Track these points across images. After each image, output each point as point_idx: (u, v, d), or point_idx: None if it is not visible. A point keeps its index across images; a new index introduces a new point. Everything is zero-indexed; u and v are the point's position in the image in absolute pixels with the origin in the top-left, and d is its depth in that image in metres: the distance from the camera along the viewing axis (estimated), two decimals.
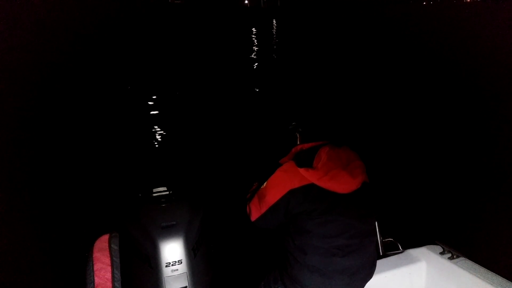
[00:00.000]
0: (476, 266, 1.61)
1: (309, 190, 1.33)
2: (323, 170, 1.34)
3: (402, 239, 1.89)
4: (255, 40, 18.28)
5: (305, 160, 1.42)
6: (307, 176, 1.34)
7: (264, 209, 1.43)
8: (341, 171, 1.35)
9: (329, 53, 13.30)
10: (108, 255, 1.29)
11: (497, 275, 1.55)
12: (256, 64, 12.72)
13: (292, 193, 1.34)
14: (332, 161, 1.37)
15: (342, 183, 1.34)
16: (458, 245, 1.77)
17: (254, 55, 14.22)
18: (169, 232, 1.35)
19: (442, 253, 1.74)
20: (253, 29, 22.10)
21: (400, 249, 1.85)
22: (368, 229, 1.42)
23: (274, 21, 26.14)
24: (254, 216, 1.48)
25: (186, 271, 1.34)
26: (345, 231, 1.35)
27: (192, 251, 1.37)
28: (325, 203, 1.33)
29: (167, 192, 1.56)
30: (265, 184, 1.44)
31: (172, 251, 1.33)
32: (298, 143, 1.58)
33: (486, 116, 6.02)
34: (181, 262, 1.34)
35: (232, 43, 16.97)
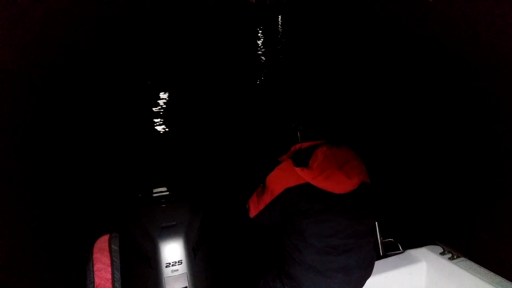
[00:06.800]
0: (476, 266, 1.61)
1: (304, 189, 1.34)
2: (318, 169, 1.35)
3: (402, 240, 1.88)
4: (261, 37, 18.26)
5: (302, 159, 1.43)
6: (303, 175, 1.35)
7: (261, 207, 1.46)
8: (336, 171, 1.35)
9: (334, 51, 13.27)
10: (108, 255, 1.29)
11: (497, 275, 1.55)
12: (261, 61, 12.72)
13: (288, 191, 1.36)
14: (327, 161, 1.37)
15: (338, 183, 1.34)
16: (458, 245, 1.77)
17: (259, 52, 14.21)
18: (169, 232, 1.35)
19: (442, 253, 1.74)
20: (258, 25, 22.07)
21: (400, 250, 1.85)
22: (365, 230, 1.42)
23: (280, 18, 26.03)
24: (252, 213, 1.51)
25: (186, 271, 1.34)
26: (340, 231, 1.35)
27: (192, 251, 1.37)
28: (320, 203, 1.34)
29: (167, 193, 1.56)
30: (264, 182, 1.46)
31: (172, 252, 1.33)
32: (299, 141, 1.59)
33: (486, 116, 6.01)
34: (181, 262, 1.34)
35: (237, 40, 16.97)
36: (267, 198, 1.42)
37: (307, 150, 1.48)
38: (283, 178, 1.39)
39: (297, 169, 1.37)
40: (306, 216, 1.34)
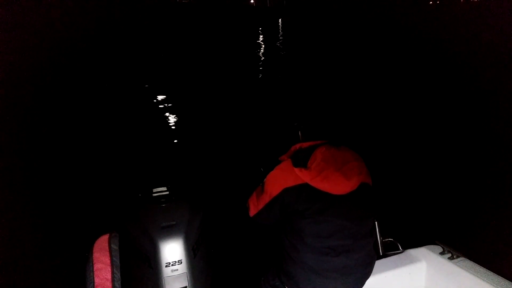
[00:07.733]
0: (476, 266, 1.61)
1: (303, 189, 1.35)
2: (316, 170, 1.35)
3: (402, 239, 1.88)
4: (261, 39, 18.29)
5: (302, 159, 1.44)
6: (301, 175, 1.36)
7: (261, 206, 1.46)
8: (334, 172, 1.35)
9: (334, 53, 13.29)
10: (108, 255, 1.29)
11: (497, 275, 1.55)
12: (261, 63, 12.73)
13: (286, 191, 1.37)
14: (326, 161, 1.37)
15: (336, 184, 1.34)
16: (458, 245, 1.77)
17: (260, 54, 14.23)
18: (169, 232, 1.34)
19: (442, 253, 1.74)
20: (259, 28, 22.15)
21: (400, 249, 1.85)
22: (364, 231, 1.42)
23: (280, 21, 26.16)
24: (252, 212, 1.52)
25: (186, 271, 1.34)
26: (338, 231, 1.36)
27: (192, 251, 1.37)
28: (318, 203, 1.34)
29: (167, 192, 1.56)
30: (263, 181, 1.47)
31: (172, 251, 1.33)
32: (300, 140, 1.59)
33: (486, 115, 6.02)
34: (181, 262, 1.34)
35: (238, 43, 16.99)
36: (266, 198, 1.43)
37: (307, 150, 1.48)
38: (281, 178, 1.39)
39: (296, 170, 1.37)
40: (303, 216, 1.34)
